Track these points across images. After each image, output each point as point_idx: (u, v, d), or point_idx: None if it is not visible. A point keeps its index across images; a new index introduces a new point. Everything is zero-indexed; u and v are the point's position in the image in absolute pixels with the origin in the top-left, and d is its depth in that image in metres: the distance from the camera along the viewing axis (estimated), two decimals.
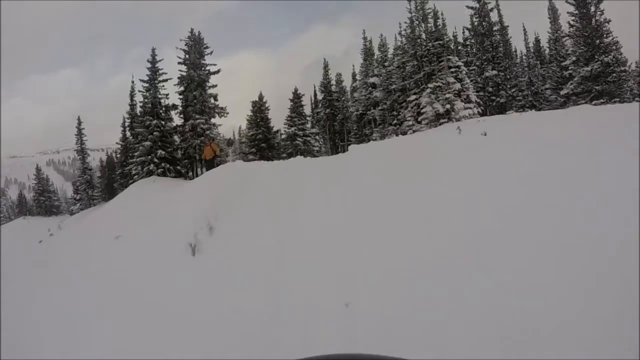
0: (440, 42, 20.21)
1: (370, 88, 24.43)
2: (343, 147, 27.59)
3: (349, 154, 11.64)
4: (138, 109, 23.18)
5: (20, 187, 48.25)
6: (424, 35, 21.23)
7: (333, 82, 29.49)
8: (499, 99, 21.82)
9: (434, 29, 21.16)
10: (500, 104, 21.80)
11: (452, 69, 19.14)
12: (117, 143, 30.41)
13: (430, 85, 18.71)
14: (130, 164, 22.73)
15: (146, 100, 21.29)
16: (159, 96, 21.39)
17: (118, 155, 31.55)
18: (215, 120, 22.66)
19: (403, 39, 23.14)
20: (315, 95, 36.11)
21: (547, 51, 27.45)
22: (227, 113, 22.98)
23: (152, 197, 13.19)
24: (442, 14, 21.55)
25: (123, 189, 23.16)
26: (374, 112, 23.38)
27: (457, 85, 18.36)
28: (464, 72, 19.42)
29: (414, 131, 19.28)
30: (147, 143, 20.24)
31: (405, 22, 22.51)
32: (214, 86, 22.31)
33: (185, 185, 13.07)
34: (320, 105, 28.61)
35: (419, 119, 19.07)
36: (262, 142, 29.05)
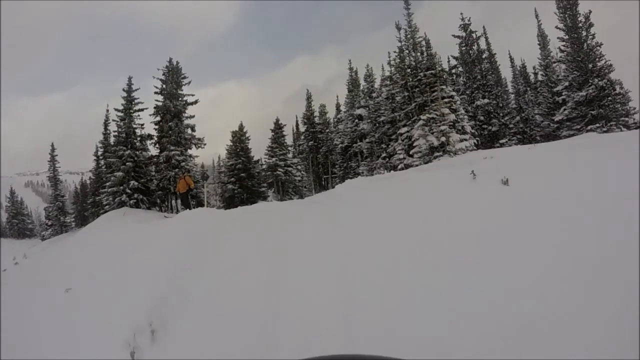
0: (433, 71, 19.08)
1: (356, 120, 23.08)
2: (327, 179, 25.98)
3: (332, 207, 9.74)
4: (112, 139, 22.05)
5: None
6: (414, 64, 20.14)
7: (316, 114, 28.20)
8: (491, 128, 20.70)
9: (424, 58, 20.16)
10: (492, 132, 20.66)
11: (446, 99, 17.94)
12: (90, 171, 30.07)
13: (423, 117, 17.37)
14: (102, 194, 21.68)
15: (120, 129, 20.19)
16: (134, 126, 20.37)
17: (92, 181, 30.56)
18: (192, 151, 21.69)
19: (392, 68, 22.09)
20: (297, 125, 34.98)
21: (532, 77, 26.93)
22: (205, 144, 22.07)
23: (117, 235, 11.09)
24: (429, 42, 20.57)
25: (94, 218, 23.09)
26: (361, 144, 21.91)
27: (452, 116, 17.07)
28: (457, 102, 18.23)
29: (405, 165, 17.81)
30: (120, 174, 19.18)
31: (395, 52, 21.58)
32: (192, 117, 21.34)
33: (151, 230, 10.97)
34: (302, 137, 27.10)
35: (410, 152, 17.61)
36: (241, 172, 28.35)
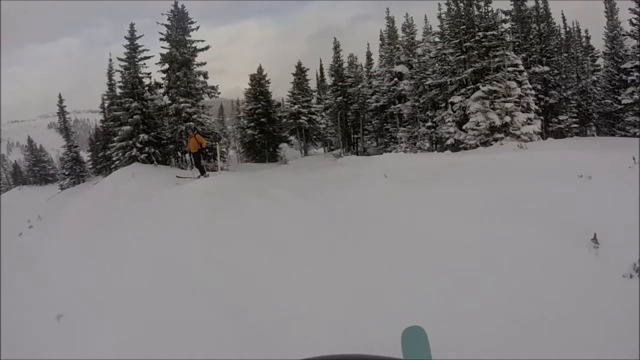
0: (494, 32, 16.67)
1: (395, 78, 20.81)
2: (358, 140, 24.25)
3: None
4: (118, 90, 20.72)
5: (22, 150, 51.62)
6: (470, 21, 17.58)
7: (345, 64, 25.48)
8: (548, 100, 18.72)
9: (484, 14, 17.61)
10: (549, 105, 18.72)
11: (510, 68, 15.88)
12: (100, 122, 30.05)
13: (482, 87, 15.41)
14: (111, 148, 20.58)
15: (125, 79, 18.93)
16: (140, 75, 19.12)
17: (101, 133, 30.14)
18: (206, 100, 20.70)
19: (443, 23, 19.48)
20: (321, 69, 32.38)
21: (584, 42, 24.40)
22: (219, 93, 21.20)
23: (121, 218, 9.26)
24: None
25: (106, 172, 23.16)
26: (400, 106, 19.92)
27: (518, 91, 15.18)
28: (524, 73, 16.17)
29: (456, 141, 16.20)
30: (127, 127, 18.14)
31: (445, 2, 18.82)
32: (203, 64, 19.96)
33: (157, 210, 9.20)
34: (330, 91, 24.77)
35: (464, 127, 15.91)
36: (262, 117, 27.39)
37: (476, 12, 17.81)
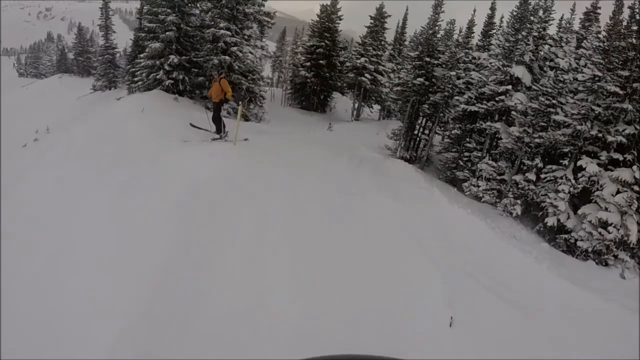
0: None
1: (509, 86, 15.18)
2: (419, 142, 19.13)
3: None
4: None
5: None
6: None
7: (441, 30, 19.02)
8: None
9: None
10: None
11: None
12: (134, 32, 27.78)
13: (635, 171, 10.41)
14: (137, 65, 18.05)
15: None
16: None
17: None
18: (253, 30, 16.25)
19: (608, 30, 13.46)
20: (405, 19, 26.04)
21: None
22: (273, 23, 17.45)
23: (97, 186, 7.70)
24: None
25: (131, 89, 21.43)
26: (499, 127, 14.75)
27: None
28: None
29: (560, 224, 11.58)
30: (158, 45, 15.54)
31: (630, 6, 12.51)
32: None
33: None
34: (411, 66, 18.93)
35: (579, 211, 11.21)
36: (321, 58, 23.92)
37: None
